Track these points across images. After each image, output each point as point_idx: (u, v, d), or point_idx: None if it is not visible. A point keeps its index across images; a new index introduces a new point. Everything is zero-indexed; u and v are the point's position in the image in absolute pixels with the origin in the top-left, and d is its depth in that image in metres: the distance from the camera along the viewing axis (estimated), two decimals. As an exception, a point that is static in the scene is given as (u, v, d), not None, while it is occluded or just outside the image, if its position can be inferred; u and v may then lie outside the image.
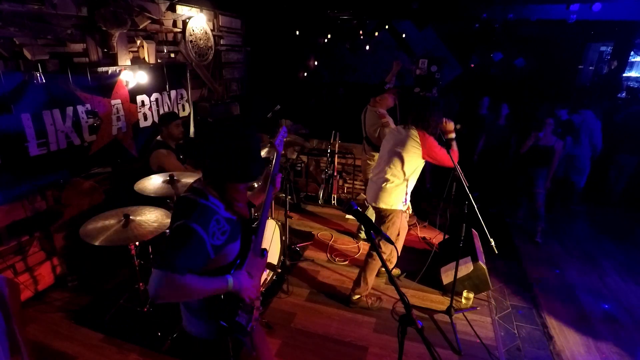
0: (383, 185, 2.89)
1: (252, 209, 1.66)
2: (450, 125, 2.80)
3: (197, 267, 1.27)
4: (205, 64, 4.92)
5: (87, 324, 2.79)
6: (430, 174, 5.43)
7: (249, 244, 1.53)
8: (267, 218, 1.71)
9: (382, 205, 2.93)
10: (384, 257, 3.14)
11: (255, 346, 1.62)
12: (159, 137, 3.34)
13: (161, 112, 4.13)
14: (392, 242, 1.55)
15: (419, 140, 2.72)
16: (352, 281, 3.20)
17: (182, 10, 4.39)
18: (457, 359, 2.63)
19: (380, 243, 3.01)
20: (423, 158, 2.77)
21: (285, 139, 1.96)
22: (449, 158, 2.71)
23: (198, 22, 4.63)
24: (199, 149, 1.37)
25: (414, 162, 2.79)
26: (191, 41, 4.57)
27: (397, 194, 2.87)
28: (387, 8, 5.57)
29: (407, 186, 2.89)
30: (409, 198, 2.99)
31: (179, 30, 4.41)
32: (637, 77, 6.69)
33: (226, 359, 1.51)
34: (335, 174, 5.11)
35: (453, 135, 2.82)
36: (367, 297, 3.12)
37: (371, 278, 3.06)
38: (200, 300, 1.40)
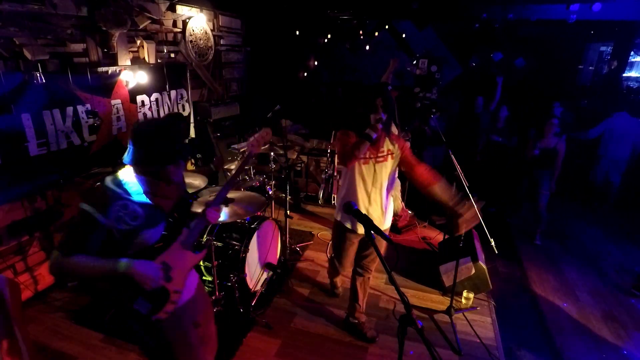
0: None
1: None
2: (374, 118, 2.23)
3: (93, 247, 1.36)
4: (205, 64, 4.92)
5: (87, 324, 2.79)
6: None
7: (175, 235, 1.53)
8: (215, 216, 1.64)
9: None
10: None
11: (173, 343, 1.59)
12: None
13: (161, 112, 4.13)
14: (391, 242, 1.55)
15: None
16: (350, 280, 3.19)
17: (182, 10, 4.40)
18: (457, 359, 2.63)
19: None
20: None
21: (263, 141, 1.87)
22: (347, 150, 2.20)
23: (198, 22, 4.63)
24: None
25: None
26: (191, 41, 4.57)
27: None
28: (387, 8, 5.56)
29: (345, 193, 2.43)
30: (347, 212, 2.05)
31: (179, 30, 4.41)
32: (637, 77, 6.68)
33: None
34: (335, 174, 5.11)
35: (371, 133, 2.20)
36: (365, 324, 2.83)
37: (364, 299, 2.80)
38: (106, 281, 1.45)
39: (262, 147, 3.58)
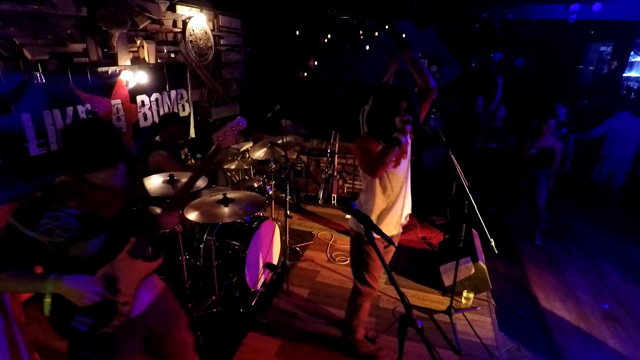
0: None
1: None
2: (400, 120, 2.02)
3: (23, 263, 1.30)
4: (205, 64, 4.92)
5: (87, 324, 2.79)
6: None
7: (121, 244, 1.45)
8: (170, 222, 1.55)
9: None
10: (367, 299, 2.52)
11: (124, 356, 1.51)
12: (157, 138, 3.33)
13: (161, 112, 4.13)
14: (392, 243, 1.54)
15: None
16: (352, 281, 3.18)
17: (182, 10, 4.39)
18: (457, 359, 2.63)
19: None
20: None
21: (238, 129, 1.68)
22: (375, 159, 2.01)
23: (198, 22, 4.63)
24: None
25: None
26: (191, 41, 4.57)
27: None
28: (387, 8, 5.56)
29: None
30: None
31: (179, 30, 4.41)
32: (637, 77, 6.68)
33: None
34: (335, 174, 5.11)
35: (399, 136, 1.99)
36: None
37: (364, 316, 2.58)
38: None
39: (258, 150, 3.60)
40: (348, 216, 4.60)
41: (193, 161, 3.91)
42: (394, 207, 2.26)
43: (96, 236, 1.37)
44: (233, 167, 3.72)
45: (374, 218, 2.25)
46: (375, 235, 1.49)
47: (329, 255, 3.91)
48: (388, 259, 2.52)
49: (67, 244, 1.31)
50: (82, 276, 1.32)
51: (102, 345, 1.44)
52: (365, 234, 1.50)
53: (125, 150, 1.42)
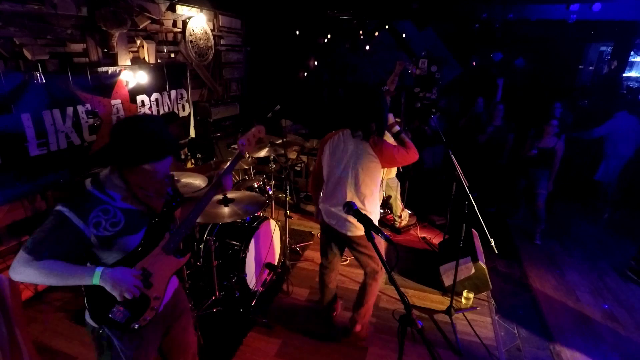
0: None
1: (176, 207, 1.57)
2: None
3: (65, 253, 1.27)
4: (205, 64, 4.92)
5: (87, 324, 2.79)
6: None
7: (157, 240, 1.46)
8: (195, 220, 1.58)
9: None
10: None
11: (148, 351, 1.53)
12: None
13: (161, 112, 4.13)
14: (391, 242, 1.55)
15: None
16: (352, 281, 3.18)
17: (182, 10, 4.40)
18: (457, 359, 2.63)
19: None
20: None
21: (255, 139, 1.75)
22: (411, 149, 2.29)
23: (198, 22, 4.63)
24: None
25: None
26: (191, 41, 4.57)
27: None
28: (387, 8, 5.57)
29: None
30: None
31: (179, 30, 4.41)
32: (637, 77, 6.69)
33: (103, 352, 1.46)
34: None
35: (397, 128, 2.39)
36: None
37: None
38: (84, 289, 1.39)
39: (258, 150, 3.60)
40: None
41: (193, 161, 3.92)
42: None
43: (138, 231, 1.40)
44: (233, 167, 3.72)
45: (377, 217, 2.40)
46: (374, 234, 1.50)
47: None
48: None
49: (110, 238, 1.32)
50: (125, 269, 1.34)
51: (132, 338, 1.46)
52: (366, 235, 1.50)
53: (175, 143, 1.42)
